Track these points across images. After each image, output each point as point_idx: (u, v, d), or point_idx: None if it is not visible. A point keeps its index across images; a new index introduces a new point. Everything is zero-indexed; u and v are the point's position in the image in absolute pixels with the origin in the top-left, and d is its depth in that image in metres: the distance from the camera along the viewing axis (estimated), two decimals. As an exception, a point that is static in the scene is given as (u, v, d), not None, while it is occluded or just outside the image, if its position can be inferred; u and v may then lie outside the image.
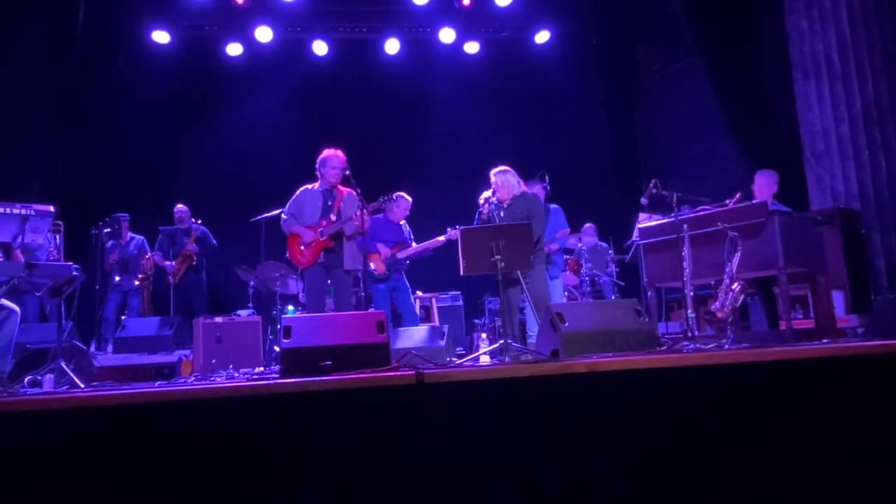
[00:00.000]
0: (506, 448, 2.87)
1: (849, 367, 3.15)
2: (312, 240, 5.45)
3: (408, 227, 6.86)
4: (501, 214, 5.34)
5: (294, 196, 5.66)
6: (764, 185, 5.54)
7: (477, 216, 5.43)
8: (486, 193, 5.40)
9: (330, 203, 5.56)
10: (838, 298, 5.86)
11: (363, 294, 5.54)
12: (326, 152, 5.59)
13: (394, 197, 6.09)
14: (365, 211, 5.33)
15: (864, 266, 6.50)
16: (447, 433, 2.86)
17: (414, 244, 6.67)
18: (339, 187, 5.62)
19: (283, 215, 5.64)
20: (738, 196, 5.25)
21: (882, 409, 3.09)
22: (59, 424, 2.61)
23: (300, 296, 7.55)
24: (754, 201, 5.09)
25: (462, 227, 5.92)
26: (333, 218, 5.48)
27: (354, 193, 5.48)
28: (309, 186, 5.66)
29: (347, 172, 5.44)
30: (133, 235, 7.99)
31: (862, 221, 6.65)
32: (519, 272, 4.88)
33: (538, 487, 2.87)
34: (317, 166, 5.61)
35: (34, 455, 2.55)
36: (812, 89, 7.36)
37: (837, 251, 6.07)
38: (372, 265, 6.44)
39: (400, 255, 6.52)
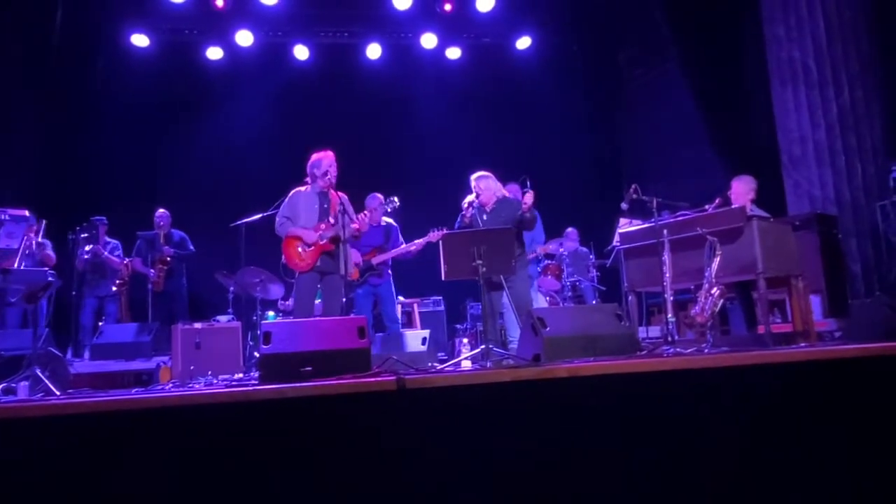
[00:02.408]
0: (487, 453, 2.86)
1: (827, 370, 3.18)
2: (314, 241, 5.32)
3: (395, 224, 6.65)
4: (484, 218, 5.35)
5: (286, 199, 5.50)
6: (741, 191, 5.58)
7: (459, 219, 5.42)
8: (471, 197, 5.39)
9: (326, 206, 5.44)
10: (816, 302, 5.92)
11: (344, 300, 5.47)
12: (318, 154, 5.48)
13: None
14: (365, 214, 5.38)
15: (841, 270, 6.58)
16: (429, 439, 2.85)
17: (404, 243, 6.52)
18: (332, 190, 5.50)
19: (277, 219, 5.48)
20: (717, 201, 5.28)
21: (860, 412, 3.12)
22: (34, 432, 2.57)
23: (280, 303, 7.49)
24: (733, 206, 5.13)
25: (437, 229, 5.96)
26: (332, 221, 5.35)
27: (346, 197, 5.43)
28: (300, 189, 5.53)
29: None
30: (108, 240, 7.86)
31: (839, 226, 6.73)
32: (503, 277, 4.87)
33: (520, 492, 2.86)
34: (309, 169, 5.49)
35: (7, 463, 2.51)
36: (789, 96, 7.46)
37: (815, 256, 6.14)
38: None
39: (375, 261, 6.38)
